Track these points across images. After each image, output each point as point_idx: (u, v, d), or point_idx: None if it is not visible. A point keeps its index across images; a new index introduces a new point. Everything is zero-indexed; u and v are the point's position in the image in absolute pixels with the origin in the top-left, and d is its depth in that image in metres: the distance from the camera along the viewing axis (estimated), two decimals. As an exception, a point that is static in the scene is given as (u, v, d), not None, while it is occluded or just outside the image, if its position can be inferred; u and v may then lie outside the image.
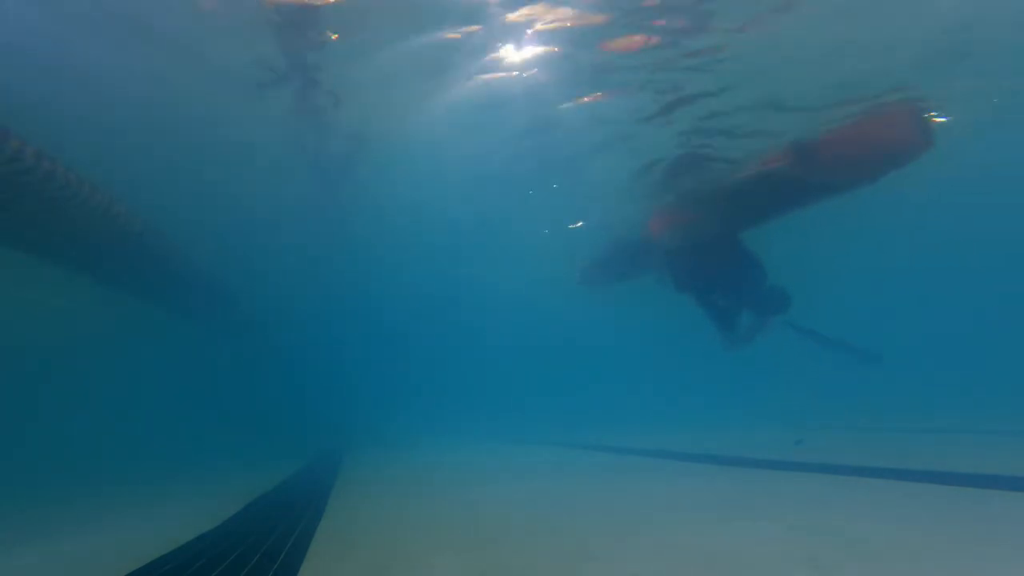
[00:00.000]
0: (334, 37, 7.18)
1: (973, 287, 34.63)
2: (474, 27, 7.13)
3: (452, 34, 7.27)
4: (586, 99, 8.97)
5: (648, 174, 11.20)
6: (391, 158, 11.54)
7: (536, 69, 8.08)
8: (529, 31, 7.19)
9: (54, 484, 12.49)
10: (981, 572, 3.27)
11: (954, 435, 10.88)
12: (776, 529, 4.50)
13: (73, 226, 8.84)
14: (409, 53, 7.60)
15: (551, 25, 7.07)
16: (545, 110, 9.23)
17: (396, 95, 8.80)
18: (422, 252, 19.25)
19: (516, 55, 7.72)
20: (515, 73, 8.18)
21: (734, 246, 9.38)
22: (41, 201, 7.74)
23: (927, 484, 6.04)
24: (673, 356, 45.92)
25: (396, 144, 10.77)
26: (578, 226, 15.99)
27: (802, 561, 3.63)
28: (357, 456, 14.60)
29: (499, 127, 9.93)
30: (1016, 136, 12.21)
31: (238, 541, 5.14)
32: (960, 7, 7.10)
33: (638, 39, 7.29)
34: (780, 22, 7.07)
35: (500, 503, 6.54)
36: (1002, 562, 3.41)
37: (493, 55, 7.75)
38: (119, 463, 15.84)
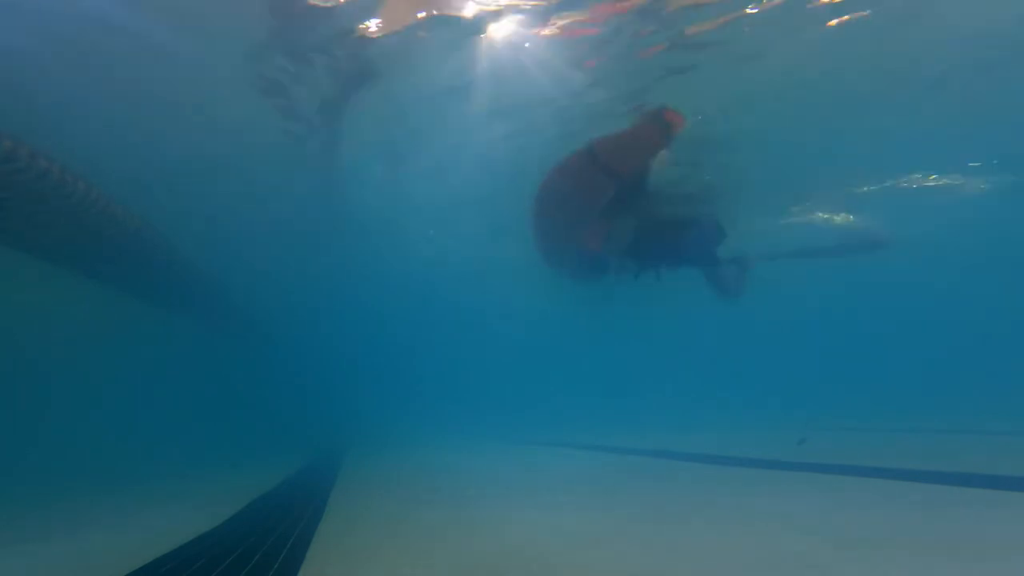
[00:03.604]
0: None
1: (972, 287, 34.68)
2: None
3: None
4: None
5: None
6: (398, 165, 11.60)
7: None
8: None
9: (53, 484, 12.39)
10: (981, 571, 3.23)
11: (954, 435, 10.88)
12: (775, 528, 4.46)
13: (70, 225, 8.77)
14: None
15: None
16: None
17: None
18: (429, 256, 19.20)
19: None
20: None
21: (664, 220, 9.09)
22: (38, 200, 7.68)
23: (927, 484, 6.01)
24: (672, 358, 46.01)
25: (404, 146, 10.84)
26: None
27: (802, 561, 3.58)
28: (357, 456, 14.52)
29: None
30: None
31: (238, 541, 5.08)
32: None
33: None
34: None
35: (499, 506, 6.48)
36: (1001, 561, 3.38)
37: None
38: (119, 463, 15.72)
